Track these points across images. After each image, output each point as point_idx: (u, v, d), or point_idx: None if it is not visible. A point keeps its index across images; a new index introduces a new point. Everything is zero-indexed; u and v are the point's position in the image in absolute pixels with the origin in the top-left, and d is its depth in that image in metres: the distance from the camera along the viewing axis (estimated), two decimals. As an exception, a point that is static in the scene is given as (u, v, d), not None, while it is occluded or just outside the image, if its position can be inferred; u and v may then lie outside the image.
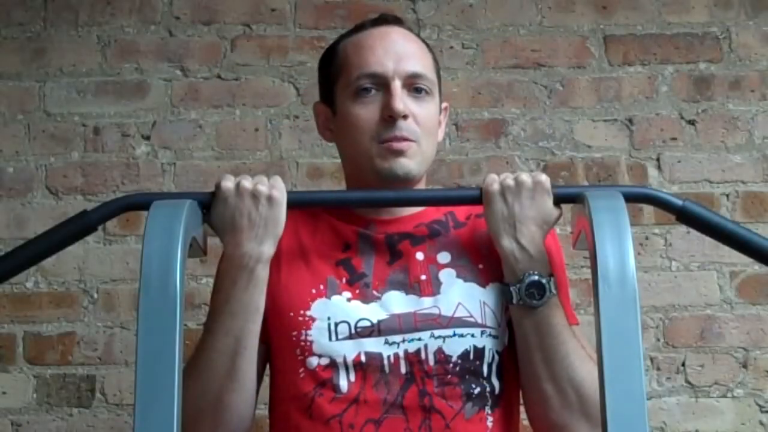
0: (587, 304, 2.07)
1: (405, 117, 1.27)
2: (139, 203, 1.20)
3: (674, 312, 2.11)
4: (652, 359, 2.08)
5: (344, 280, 1.27)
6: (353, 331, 1.22)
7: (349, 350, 1.21)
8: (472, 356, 1.23)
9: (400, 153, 1.27)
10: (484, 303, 1.25)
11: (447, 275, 1.27)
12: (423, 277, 1.27)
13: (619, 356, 0.99)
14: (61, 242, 1.20)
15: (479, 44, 2.22)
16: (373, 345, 1.21)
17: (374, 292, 1.25)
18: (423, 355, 1.22)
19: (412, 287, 1.26)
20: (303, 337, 1.23)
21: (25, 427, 2.06)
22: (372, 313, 1.23)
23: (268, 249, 1.20)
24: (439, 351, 1.22)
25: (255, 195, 1.20)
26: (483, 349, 1.23)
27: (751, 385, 2.08)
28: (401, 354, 1.21)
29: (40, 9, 2.22)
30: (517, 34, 2.22)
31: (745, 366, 2.08)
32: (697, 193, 2.13)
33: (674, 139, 2.18)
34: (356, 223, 1.32)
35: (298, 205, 1.26)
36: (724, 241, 1.21)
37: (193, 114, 2.19)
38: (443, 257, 1.29)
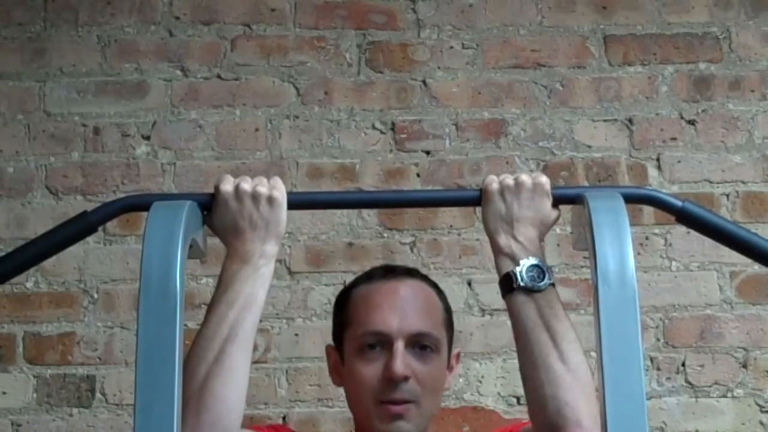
0: (587, 304, 2.07)
1: (406, 378, 1.30)
2: (139, 204, 1.20)
3: (674, 312, 2.11)
4: (652, 359, 2.08)
5: None
6: None
7: None
8: None
9: (398, 417, 1.30)
10: None
11: None
12: None
13: (619, 356, 0.99)
14: (61, 243, 1.20)
15: (479, 44, 2.22)
16: None
17: None
18: None
19: None
20: None
21: (25, 427, 2.06)
22: None
23: (272, 248, 1.20)
24: None
25: (255, 196, 1.19)
26: None
27: (751, 385, 2.08)
28: None
29: (40, 9, 2.22)
30: (517, 34, 2.22)
31: (745, 366, 2.08)
32: (697, 193, 2.13)
33: (674, 139, 2.18)
34: None
35: (298, 205, 1.26)
36: (724, 242, 1.21)
37: (193, 114, 2.19)
38: None
